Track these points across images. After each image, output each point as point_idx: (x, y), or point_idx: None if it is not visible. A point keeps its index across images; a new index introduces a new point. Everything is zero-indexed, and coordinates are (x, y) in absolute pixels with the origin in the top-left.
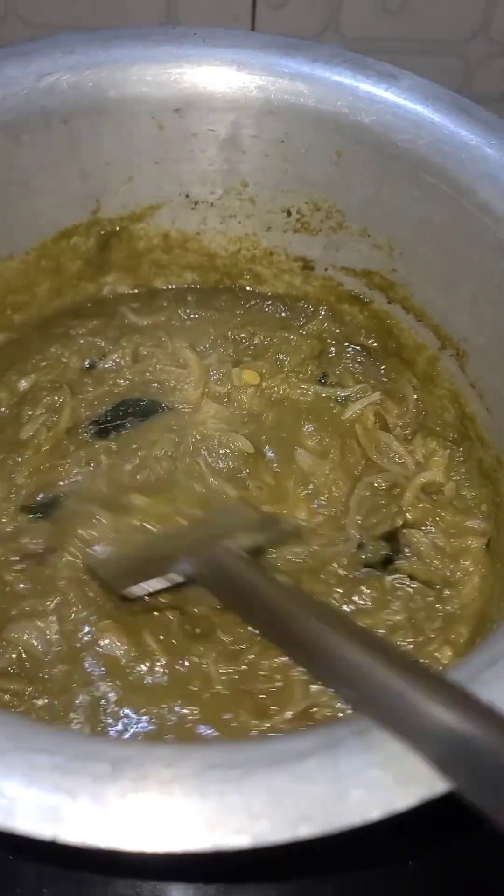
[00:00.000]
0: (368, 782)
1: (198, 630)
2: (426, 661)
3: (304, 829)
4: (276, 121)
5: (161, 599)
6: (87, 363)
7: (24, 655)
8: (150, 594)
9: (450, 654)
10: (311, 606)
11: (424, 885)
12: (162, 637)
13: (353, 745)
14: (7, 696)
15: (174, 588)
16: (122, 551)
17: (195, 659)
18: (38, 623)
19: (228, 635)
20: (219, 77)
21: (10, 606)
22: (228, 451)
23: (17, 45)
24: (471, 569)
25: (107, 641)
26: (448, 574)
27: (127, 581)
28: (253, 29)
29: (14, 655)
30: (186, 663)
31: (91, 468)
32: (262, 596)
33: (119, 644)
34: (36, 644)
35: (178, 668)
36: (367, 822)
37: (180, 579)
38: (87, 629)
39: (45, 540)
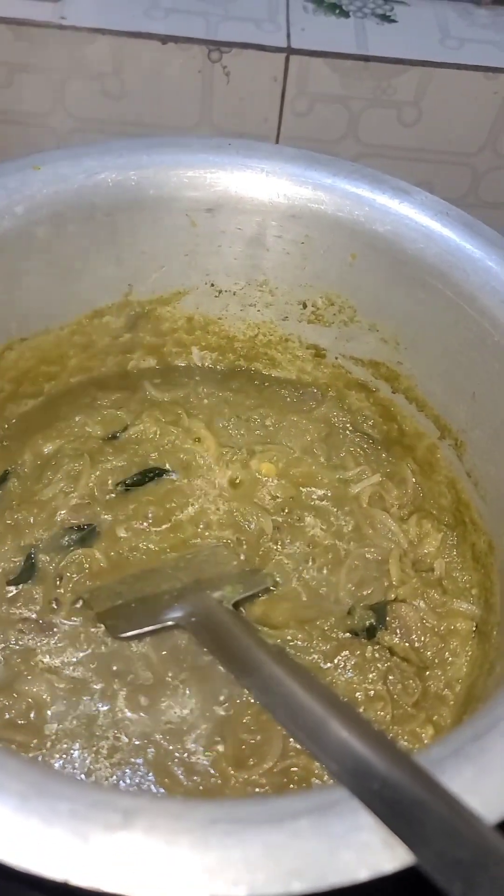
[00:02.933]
0: (358, 844)
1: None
2: (406, 736)
3: (298, 885)
4: (298, 224)
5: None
6: (109, 434)
7: (32, 707)
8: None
9: (432, 733)
10: (286, 666)
11: None
12: (165, 652)
13: (345, 808)
14: (13, 747)
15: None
16: (112, 585)
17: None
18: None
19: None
20: (249, 183)
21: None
22: (247, 524)
23: (72, 148)
24: (458, 650)
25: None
26: (433, 653)
27: (122, 624)
28: (278, 131)
29: (23, 707)
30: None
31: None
32: (244, 650)
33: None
34: (45, 696)
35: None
36: (355, 882)
37: (170, 623)
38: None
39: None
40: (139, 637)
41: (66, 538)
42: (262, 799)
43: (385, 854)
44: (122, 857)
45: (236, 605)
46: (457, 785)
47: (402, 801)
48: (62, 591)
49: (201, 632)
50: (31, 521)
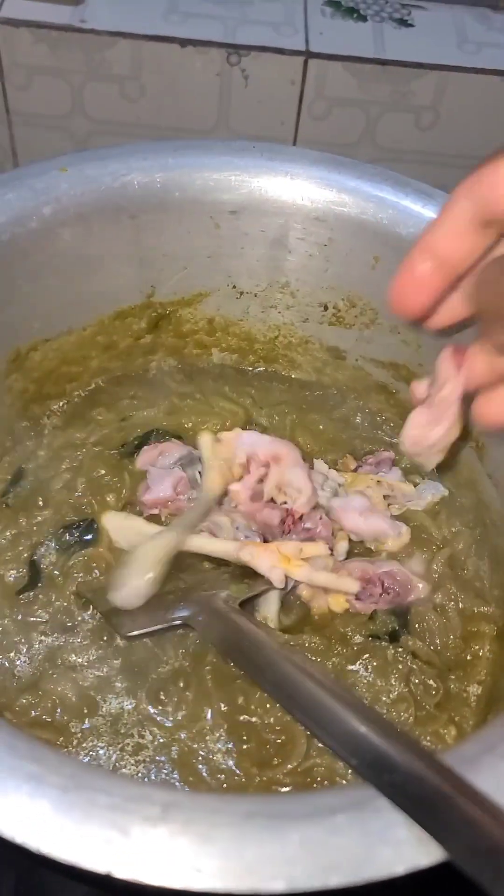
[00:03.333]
0: (395, 840)
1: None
2: (429, 737)
3: (335, 879)
4: (322, 227)
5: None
6: (121, 417)
7: (58, 705)
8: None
9: (455, 733)
10: (298, 662)
11: None
12: (187, 650)
13: (381, 804)
14: None
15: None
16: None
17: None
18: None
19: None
20: (273, 186)
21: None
22: None
23: (98, 150)
24: (480, 653)
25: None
26: (454, 655)
27: (127, 623)
28: (296, 135)
29: (49, 705)
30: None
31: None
32: (255, 648)
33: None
34: (70, 695)
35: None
36: (392, 876)
37: (178, 622)
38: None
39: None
40: (146, 636)
41: (68, 535)
42: (298, 794)
43: (420, 850)
44: (162, 850)
45: (242, 604)
46: (492, 781)
47: (426, 795)
48: (72, 590)
49: (210, 631)
50: (39, 519)
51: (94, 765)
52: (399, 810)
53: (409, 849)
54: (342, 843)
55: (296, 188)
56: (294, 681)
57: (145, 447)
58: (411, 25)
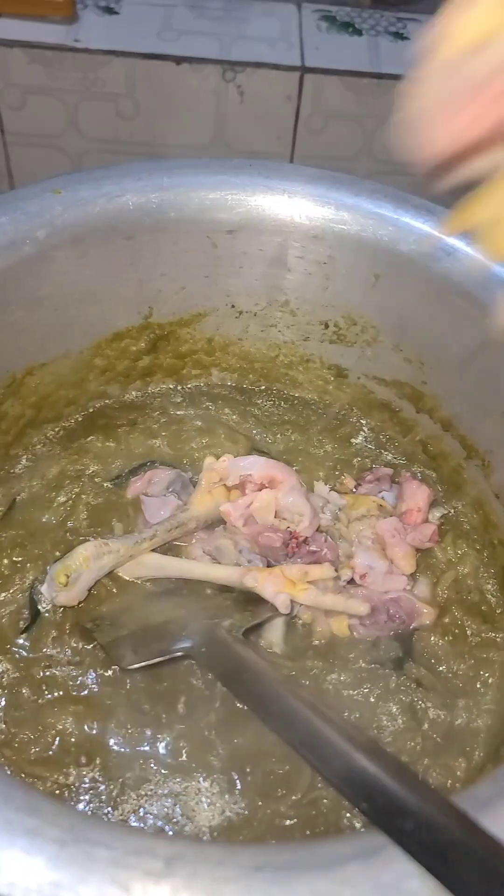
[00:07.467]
0: (408, 892)
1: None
2: (437, 769)
3: None
4: (321, 245)
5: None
6: (121, 447)
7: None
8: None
9: (465, 765)
10: (304, 697)
11: None
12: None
13: (393, 853)
14: (40, 784)
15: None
16: (116, 612)
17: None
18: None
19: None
20: (270, 204)
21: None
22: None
23: (92, 171)
24: (490, 681)
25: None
26: (463, 684)
27: (128, 655)
28: (293, 150)
29: (49, 740)
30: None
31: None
32: (258, 682)
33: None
34: (71, 729)
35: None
36: None
37: (178, 654)
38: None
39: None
40: (148, 668)
41: None
42: (307, 843)
43: None
44: None
45: (245, 633)
46: None
47: (440, 843)
48: (72, 623)
49: (212, 663)
50: (35, 552)
51: (94, 815)
52: (412, 860)
53: None
54: None
55: (293, 206)
56: (299, 716)
57: (133, 477)
58: (407, 38)
